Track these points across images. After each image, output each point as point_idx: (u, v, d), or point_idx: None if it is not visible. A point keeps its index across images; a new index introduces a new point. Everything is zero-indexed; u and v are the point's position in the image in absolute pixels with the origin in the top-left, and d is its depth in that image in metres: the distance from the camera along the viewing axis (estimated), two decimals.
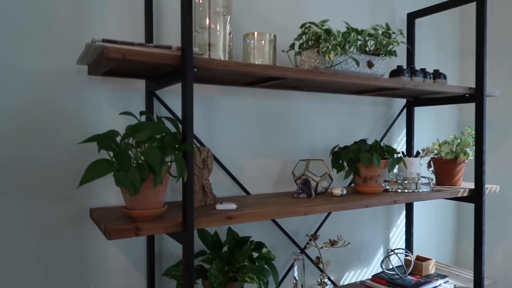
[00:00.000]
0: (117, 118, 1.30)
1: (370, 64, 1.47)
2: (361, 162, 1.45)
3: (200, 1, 1.23)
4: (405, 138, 2.03)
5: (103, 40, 0.95)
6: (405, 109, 2.00)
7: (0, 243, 1.14)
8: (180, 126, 1.34)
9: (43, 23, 1.18)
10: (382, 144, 1.53)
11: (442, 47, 2.20)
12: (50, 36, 1.19)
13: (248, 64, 1.15)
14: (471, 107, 2.24)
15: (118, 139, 1.03)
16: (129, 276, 1.33)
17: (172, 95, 1.40)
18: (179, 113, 1.40)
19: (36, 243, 1.19)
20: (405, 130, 2.03)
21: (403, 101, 2.01)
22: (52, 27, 1.19)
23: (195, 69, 1.06)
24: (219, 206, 1.18)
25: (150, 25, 1.30)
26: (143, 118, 1.29)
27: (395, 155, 1.53)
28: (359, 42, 1.46)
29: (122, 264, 1.32)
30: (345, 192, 1.46)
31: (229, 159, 1.51)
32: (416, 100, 1.96)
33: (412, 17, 1.97)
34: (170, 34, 1.39)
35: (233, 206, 1.19)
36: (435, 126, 2.19)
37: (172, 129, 1.28)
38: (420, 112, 2.11)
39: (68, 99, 1.22)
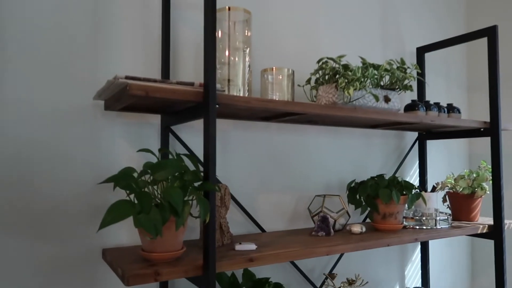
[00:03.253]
0: (132, 153, 1.27)
1: (387, 99, 1.46)
2: (380, 198, 1.41)
3: (219, 36, 1.23)
4: (417, 171, 2.00)
5: (126, 77, 0.92)
6: (417, 142, 1.98)
7: (8, 284, 1.08)
8: (198, 163, 1.31)
9: (58, 58, 1.16)
10: (400, 179, 1.50)
11: (450, 81, 2.21)
12: (64, 71, 1.17)
13: (269, 100, 1.13)
14: (481, 139, 2.23)
15: (134, 175, 0.99)
16: None
17: (187, 130, 1.37)
18: (194, 148, 1.37)
19: (45, 286, 1.12)
20: (417, 162, 2.01)
21: (414, 134, 2.00)
22: (67, 61, 1.18)
23: (217, 105, 1.04)
24: (238, 247, 1.13)
25: (167, 59, 1.29)
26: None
27: (414, 191, 1.50)
28: (375, 77, 1.45)
29: None
30: (364, 229, 1.41)
31: (242, 194, 1.47)
32: (428, 133, 1.94)
33: (421, 51, 1.98)
34: (186, 68, 1.38)
35: (253, 246, 1.14)
36: (446, 159, 2.17)
37: (190, 165, 1.25)
38: (431, 145, 2.09)
39: (82, 134, 1.19)
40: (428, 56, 2.08)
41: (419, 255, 1.98)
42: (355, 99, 1.35)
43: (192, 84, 1.01)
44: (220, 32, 1.23)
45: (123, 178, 0.93)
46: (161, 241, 0.96)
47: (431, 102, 1.80)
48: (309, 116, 1.32)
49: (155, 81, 0.96)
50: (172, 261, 1.00)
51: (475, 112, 2.26)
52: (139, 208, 0.89)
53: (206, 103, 0.99)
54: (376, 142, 1.86)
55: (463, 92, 2.28)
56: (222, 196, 1.22)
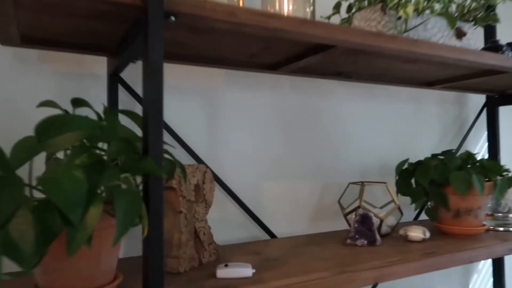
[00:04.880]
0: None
1: (460, 33, 0.94)
2: (452, 185, 0.91)
3: None
4: (484, 147, 1.48)
5: None
6: (485, 109, 1.45)
7: None
8: None
9: None
10: (480, 158, 0.99)
11: None
12: None
13: (271, 14, 0.64)
14: None
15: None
16: None
17: None
18: None
19: None
20: (484, 136, 1.48)
21: (481, 98, 1.47)
22: None
23: (172, 17, 0.56)
24: (221, 273, 0.65)
25: None
26: (83, 112, 0.78)
27: (500, 175, 0.98)
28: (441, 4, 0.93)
29: None
30: (428, 235, 0.91)
31: (241, 182, 0.99)
32: (501, 96, 1.40)
33: None
34: None
35: (247, 271, 0.66)
36: None
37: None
38: (503, 113, 1.55)
39: None
40: None
41: (490, 269, 1.46)
42: (411, 27, 0.85)
43: None
44: None
45: None
46: (61, 270, 0.50)
47: None
48: (338, 56, 0.83)
49: None
50: None
51: None
52: None
53: (146, 9, 0.51)
54: (428, 110, 1.34)
55: None
56: (199, 185, 0.74)
